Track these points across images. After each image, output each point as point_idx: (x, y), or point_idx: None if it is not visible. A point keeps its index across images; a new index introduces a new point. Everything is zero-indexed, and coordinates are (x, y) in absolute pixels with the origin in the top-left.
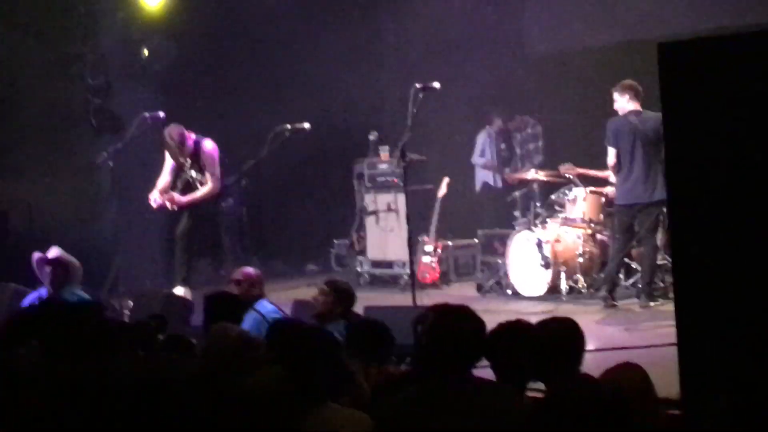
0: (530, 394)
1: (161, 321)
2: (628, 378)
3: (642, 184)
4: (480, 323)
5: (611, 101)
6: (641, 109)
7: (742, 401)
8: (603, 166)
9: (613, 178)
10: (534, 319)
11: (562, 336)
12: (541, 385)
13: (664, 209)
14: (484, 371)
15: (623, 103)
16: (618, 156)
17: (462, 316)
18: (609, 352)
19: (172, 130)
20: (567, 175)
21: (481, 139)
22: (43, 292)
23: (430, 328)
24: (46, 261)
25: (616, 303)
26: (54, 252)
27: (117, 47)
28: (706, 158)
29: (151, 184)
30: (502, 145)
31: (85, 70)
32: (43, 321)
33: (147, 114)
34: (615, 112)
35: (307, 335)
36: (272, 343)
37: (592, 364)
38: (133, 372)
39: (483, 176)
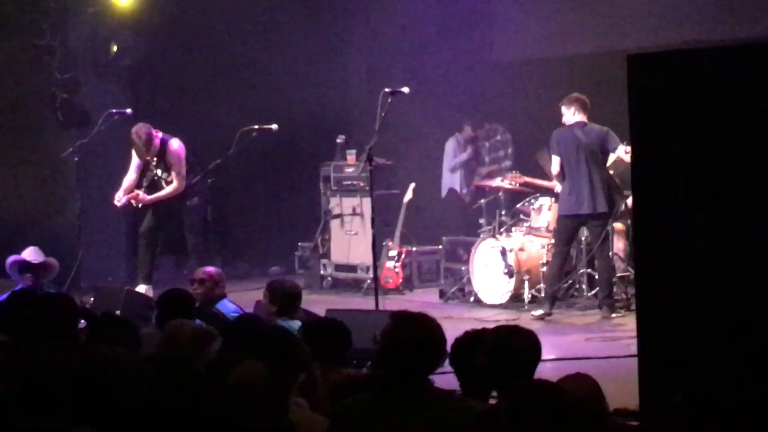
0: (493, 402)
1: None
2: (577, 388)
3: (587, 196)
4: (439, 331)
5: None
6: (587, 122)
7: (698, 412)
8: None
9: (558, 188)
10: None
11: (517, 345)
12: None
13: (610, 221)
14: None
15: (569, 116)
16: (561, 165)
17: (420, 324)
18: (569, 361)
19: (140, 129)
20: (512, 184)
21: (451, 146)
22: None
23: (389, 335)
24: (27, 266)
25: (551, 313)
26: (34, 255)
27: (86, 42)
28: (673, 170)
29: (116, 180)
30: (470, 152)
31: (53, 64)
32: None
33: (114, 110)
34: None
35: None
36: (234, 338)
37: (552, 373)
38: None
39: (449, 182)
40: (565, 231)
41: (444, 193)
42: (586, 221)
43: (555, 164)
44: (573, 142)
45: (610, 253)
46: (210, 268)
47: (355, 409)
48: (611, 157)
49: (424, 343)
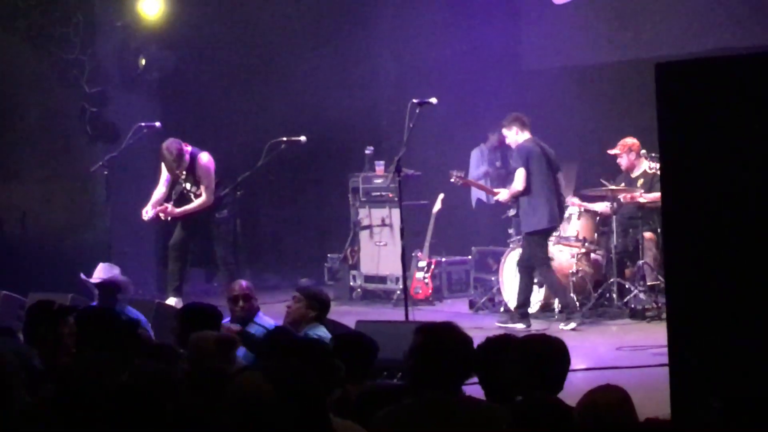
0: None
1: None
2: (606, 399)
3: (557, 208)
4: (467, 340)
5: (607, 118)
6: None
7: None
8: (597, 181)
9: (503, 196)
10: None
11: (546, 353)
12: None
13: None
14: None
15: (513, 136)
16: (527, 180)
17: (448, 336)
18: (599, 371)
19: (171, 145)
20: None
21: (475, 157)
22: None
23: (417, 350)
24: (92, 285)
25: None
26: (99, 273)
27: (114, 56)
28: (702, 178)
29: (145, 193)
30: (498, 163)
31: (82, 78)
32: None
33: (143, 123)
34: (616, 127)
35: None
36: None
37: (582, 383)
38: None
39: (477, 193)
40: (545, 244)
41: (474, 203)
42: (551, 233)
43: (522, 179)
44: (541, 155)
45: (651, 262)
46: (246, 282)
47: (392, 419)
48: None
49: (454, 355)
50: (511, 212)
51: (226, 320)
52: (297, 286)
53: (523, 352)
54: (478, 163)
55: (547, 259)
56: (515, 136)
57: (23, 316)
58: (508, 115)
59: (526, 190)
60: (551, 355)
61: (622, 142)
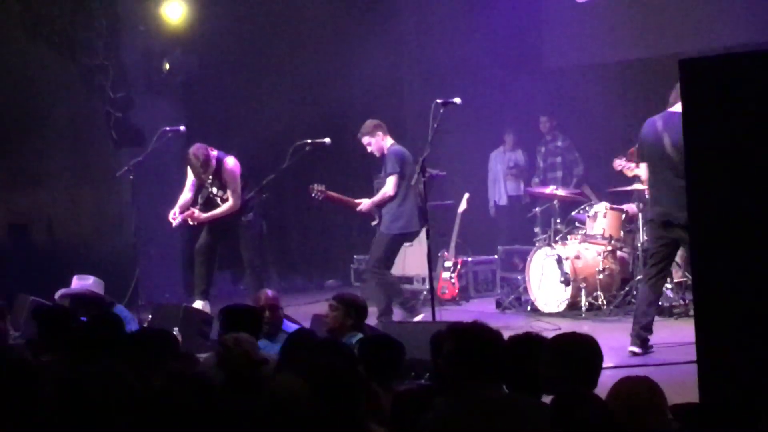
0: None
1: None
2: (634, 391)
3: (417, 212)
4: (499, 338)
5: (631, 115)
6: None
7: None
8: (622, 180)
9: (364, 205)
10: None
11: (580, 352)
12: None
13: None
14: None
15: (379, 143)
16: (398, 185)
17: (480, 334)
18: (627, 369)
19: (198, 150)
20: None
21: (493, 159)
22: None
23: (452, 352)
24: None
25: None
26: (70, 289)
27: (138, 61)
28: (728, 174)
29: (171, 197)
30: (511, 163)
31: (106, 83)
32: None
33: (168, 127)
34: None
35: (323, 348)
36: (289, 355)
37: (611, 381)
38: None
39: (495, 196)
40: (398, 246)
41: (492, 209)
42: (413, 237)
43: (393, 184)
44: (412, 160)
45: (678, 259)
46: (271, 292)
47: (441, 420)
48: None
49: (489, 353)
50: (537, 210)
51: None
52: (334, 294)
53: (556, 351)
54: (495, 165)
55: (389, 263)
56: (381, 141)
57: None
58: (366, 124)
59: (400, 195)
60: (585, 353)
61: None
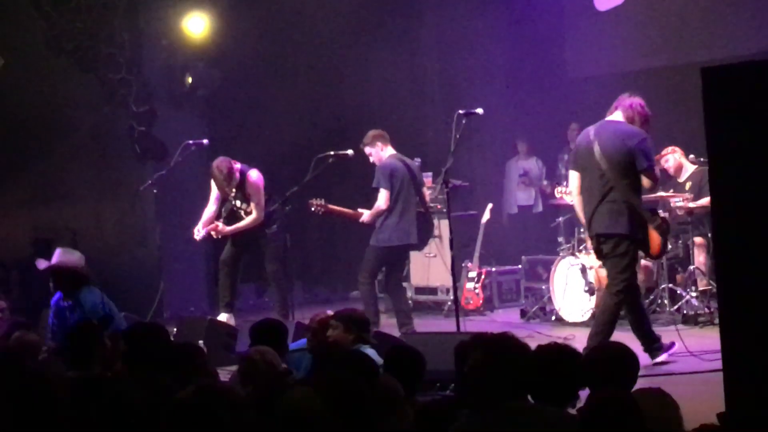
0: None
1: None
2: (644, 406)
3: (413, 226)
4: (526, 349)
5: (656, 123)
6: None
7: None
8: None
9: (366, 217)
10: (579, 346)
11: (618, 361)
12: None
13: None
14: None
15: (378, 153)
16: (390, 198)
17: (508, 346)
18: (652, 378)
19: (221, 164)
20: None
21: (509, 168)
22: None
23: (479, 362)
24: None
25: None
26: (49, 261)
27: (161, 75)
28: (752, 184)
29: (194, 210)
30: (521, 171)
31: (129, 97)
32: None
33: (191, 141)
34: (665, 133)
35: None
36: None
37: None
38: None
39: (507, 207)
40: (389, 260)
41: (505, 218)
42: (407, 251)
43: (384, 198)
44: (402, 172)
45: (703, 267)
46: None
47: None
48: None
49: (516, 365)
50: (560, 220)
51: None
52: (332, 314)
53: (594, 361)
54: (509, 173)
55: (375, 275)
56: (380, 152)
57: None
58: (367, 134)
59: (389, 209)
60: (624, 362)
61: (664, 150)
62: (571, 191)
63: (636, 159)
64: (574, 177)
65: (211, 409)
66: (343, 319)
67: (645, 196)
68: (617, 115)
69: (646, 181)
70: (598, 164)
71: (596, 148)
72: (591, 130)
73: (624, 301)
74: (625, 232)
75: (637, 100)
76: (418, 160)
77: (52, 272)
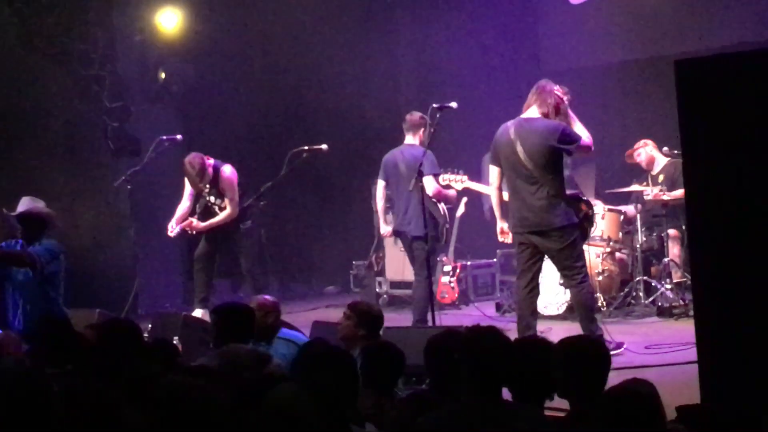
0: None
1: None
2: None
3: (403, 216)
4: (510, 344)
5: (628, 116)
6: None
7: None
8: (619, 182)
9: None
10: (555, 339)
11: (590, 354)
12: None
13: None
14: None
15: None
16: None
17: (493, 340)
18: (628, 370)
19: (193, 159)
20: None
21: (484, 163)
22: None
23: (466, 356)
24: (14, 219)
25: None
26: (20, 207)
27: (134, 70)
28: (724, 174)
29: (169, 206)
30: None
31: (102, 93)
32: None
33: (165, 137)
34: (637, 126)
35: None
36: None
37: (612, 383)
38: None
39: (488, 200)
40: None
41: (487, 211)
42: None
43: (381, 188)
44: (394, 164)
45: (677, 260)
46: (270, 297)
47: (436, 425)
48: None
49: (500, 359)
50: None
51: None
52: (350, 302)
53: (565, 354)
54: (485, 168)
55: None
56: (411, 139)
57: None
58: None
59: (387, 200)
60: (593, 356)
61: (636, 144)
62: (492, 183)
63: (563, 150)
64: (494, 172)
65: (187, 406)
66: (357, 312)
67: (618, 189)
68: (533, 111)
69: (584, 153)
70: (524, 165)
71: (519, 149)
72: (510, 128)
73: (588, 285)
74: (568, 222)
75: (548, 89)
76: None
77: (23, 218)
